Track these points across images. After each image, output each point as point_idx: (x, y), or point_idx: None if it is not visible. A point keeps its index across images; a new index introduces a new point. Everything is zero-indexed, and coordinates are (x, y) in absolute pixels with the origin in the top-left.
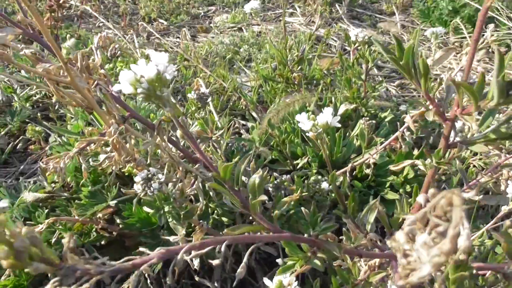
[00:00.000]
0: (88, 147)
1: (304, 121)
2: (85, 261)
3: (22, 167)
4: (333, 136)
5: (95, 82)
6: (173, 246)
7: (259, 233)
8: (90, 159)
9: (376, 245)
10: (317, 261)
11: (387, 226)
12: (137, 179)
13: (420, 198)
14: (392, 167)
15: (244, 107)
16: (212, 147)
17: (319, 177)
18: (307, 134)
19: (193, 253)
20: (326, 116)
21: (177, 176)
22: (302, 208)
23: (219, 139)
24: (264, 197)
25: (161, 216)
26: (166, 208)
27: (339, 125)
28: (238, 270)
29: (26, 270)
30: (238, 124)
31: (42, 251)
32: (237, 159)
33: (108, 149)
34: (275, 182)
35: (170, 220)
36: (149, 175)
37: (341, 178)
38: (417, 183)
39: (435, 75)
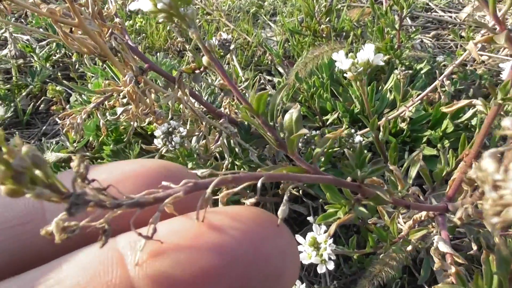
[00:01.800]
0: (106, 102)
1: (341, 60)
2: (99, 191)
3: (44, 128)
4: (365, 89)
5: (109, 31)
6: (201, 180)
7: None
8: (108, 114)
9: (418, 200)
10: (362, 209)
11: (429, 181)
12: (157, 133)
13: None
14: (445, 109)
15: (269, 62)
16: (237, 100)
17: (352, 130)
18: (345, 74)
19: (225, 191)
20: (367, 53)
21: (200, 131)
22: (345, 150)
23: (243, 91)
24: (304, 130)
25: None
26: (190, 165)
27: (382, 63)
28: (281, 208)
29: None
30: (264, 80)
31: (47, 175)
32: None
33: (125, 100)
34: (305, 137)
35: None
36: (170, 129)
37: (376, 120)
38: (457, 138)
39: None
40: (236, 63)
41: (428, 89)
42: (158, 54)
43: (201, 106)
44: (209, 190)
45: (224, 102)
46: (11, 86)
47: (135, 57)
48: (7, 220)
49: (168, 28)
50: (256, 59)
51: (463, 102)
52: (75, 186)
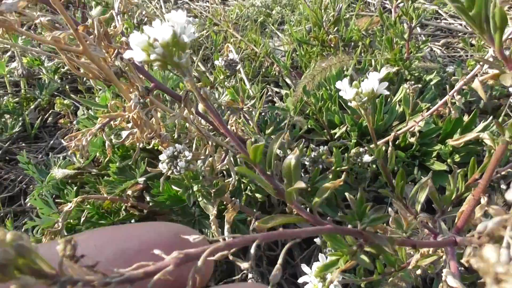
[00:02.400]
0: (112, 122)
1: (345, 89)
2: (88, 269)
3: (52, 142)
4: (374, 101)
5: (115, 51)
6: (192, 249)
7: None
8: (113, 137)
9: (427, 227)
10: (364, 257)
11: (438, 205)
12: (162, 157)
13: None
14: (451, 142)
15: (277, 73)
16: (244, 118)
17: (360, 149)
18: (348, 104)
19: (219, 254)
20: (372, 82)
21: (207, 151)
22: (347, 194)
23: (250, 109)
24: (301, 185)
25: (190, 195)
26: (195, 187)
27: (387, 92)
28: (273, 273)
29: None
30: (271, 92)
31: (33, 262)
32: (270, 130)
33: (130, 125)
34: (312, 155)
35: (200, 199)
36: (175, 153)
37: (383, 148)
38: (467, 152)
39: None
40: (243, 75)
41: (438, 104)
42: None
43: (208, 124)
44: (200, 262)
45: (231, 120)
46: (20, 99)
47: (141, 76)
48: None
49: None
50: (263, 70)
51: (471, 135)
52: (61, 269)
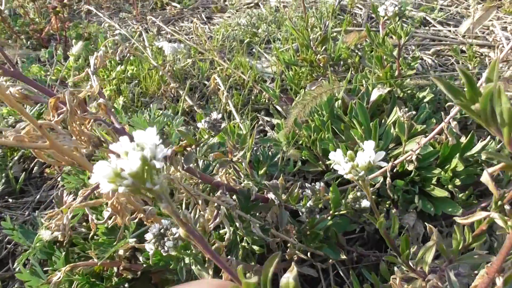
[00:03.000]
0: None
1: (340, 162)
2: None
3: (38, 196)
4: (367, 126)
5: (90, 122)
6: None
7: None
8: (94, 218)
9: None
10: None
11: (445, 255)
12: (148, 236)
13: None
14: (459, 220)
15: (267, 100)
16: (234, 170)
17: (358, 193)
18: (344, 176)
19: None
20: (368, 154)
21: (196, 210)
22: None
23: (240, 160)
24: None
25: (182, 268)
26: (187, 260)
27: (385, 165)
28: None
29: None
30: (262, 121)
31: None
32: (263, 171)
33: (110, 210)
34: (308, 205)
35: (193, 267)
36: (162, 230)
37: (380, 179)
38: (467, 175)
39: (476, 37)
40: (232, 108)
41: (434, 132)
42: (151, 105)
43: (196, 178)
44: None
45: (220, 172)
46: (3, 150)
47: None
48: None
49: (160, 73)
50: (253, 97)
51: (480, 215)
52: None
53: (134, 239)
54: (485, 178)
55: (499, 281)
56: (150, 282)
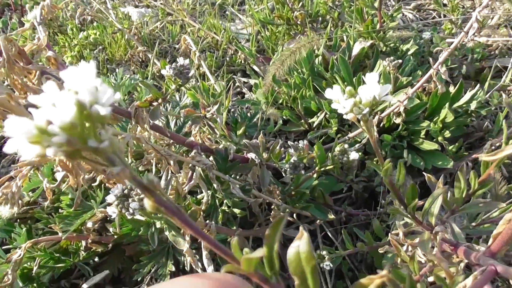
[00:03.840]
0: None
1: (338, 99)
2: None
3: None
4: (351, 81)
5: (36, 73)
6: None
7: None
8: (46, 181)
9: (445, 240)
10: None
11: (447, 205)
12: (110, 198)
13: None
14: (484, 157)
15: (243, 61)
16: (208, 127)
17: (345, 145)
18: (344, 116)
19: None
20: (372, 88)
21: (168, 173)
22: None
23: (214, 116)
24: None
25: (153, 234)
26: (158, 224)
27: (393, 99)
28: None
29: None
30: (239, 82)
31: None
32: (241, 131)
33: (60, 169)
34: (292, 160)
35: (167, 232)
36: (126, 191)
37: (366, 134)
38: (457, 127)
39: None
40: (205, 69)
41: (422, 79)
42: (117, 70)
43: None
44: None
45: (194, 131)
46: None
47: None
48: None
49: (126, 37)
50: (228, 59)
51: (509, 150)
52: None
53: (102, 209)
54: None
55: None
56: (124, 255)
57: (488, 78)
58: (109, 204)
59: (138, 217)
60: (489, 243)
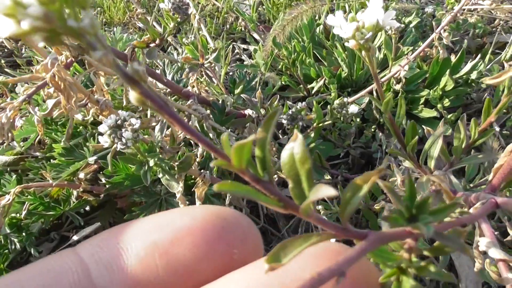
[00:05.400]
0: (43, 93)
1: (340, 24)
2: None
3: None
4: (351, 50)
5: None
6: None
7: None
8: (37, 110)
9: (443, 186)
10: (431, 268)
11: (446, 157)
12: (102, 128)
13: None
14: (488, 80)
15: (243, 29)
16: (206, 76)
17: (345, 99)
18: (346, 43)
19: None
20: (375, 12)
21: (164, 121)
22: (380, 182)
23: (213, 65)
24: (329, 192)
25: (146, 172)
26: (152, 162)
27: (397, 24)
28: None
29: None
30: (239, 49)
31: None
32: (239, 90)
33: (52, 90)
34: (290, 112)
35: (161, 175)
36: (119, 121)
37: (366, 99)
38: (456, 96)
39: None
40: (205, 32)
41: (425, 43)
42: (115, 29)
43: (164, 87)
44: None
45: (191, 80)
46: None
47: None
48: None
49: None
50: (228, 26)
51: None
52: None
53: (95, 158)
54: None
55: None
56: (116, 209)
57: (489, 52)
58: (101, 134)
59: (130, 154)
60: (490, 177)
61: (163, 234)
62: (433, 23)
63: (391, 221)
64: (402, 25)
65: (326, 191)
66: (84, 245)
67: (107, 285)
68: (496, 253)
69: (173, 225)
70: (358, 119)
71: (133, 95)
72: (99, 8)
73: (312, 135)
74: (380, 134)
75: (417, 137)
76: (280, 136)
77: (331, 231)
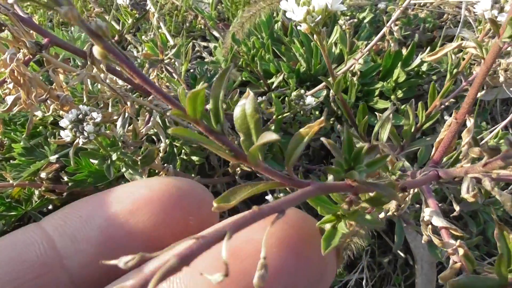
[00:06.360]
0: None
1: (293, 8)
2: None
3: None
4: (309, 45)
5: None
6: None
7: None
8: None
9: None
10: (368, 216)
11: (397, 141)
12: (63, 122)
13: None
14: (428, 57)
15: (203, 27)
16: (167, 72)
17: (302, 91)
18: (298, 27)
19: None
20: None
21: (126, 113)
22: (323, 139)
23: (173, 60)
24: (272, 137)
25: (109, 166)
26: (114, 156)
27: (344, 8)
28: None
29: None
30: (199, 47)
31: None
32: (200, 86)
33: (11, 86)
34: None
35: (124, 170)
36: (80, 116)
37: (324, 92)
38: (409, 88)
39: None
40: (164, 31)
41: (377, 37)
42: (73, 28)
43: (125, 83)
44: None
45: (152, 76)
46: None
47: (31, 31)
48: (19, 275)
49: None
50: (187, 24)
51: (450, 47)
52: None
53: (56, 156)
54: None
55: (470, 122)
56: None
57: (438, 45)
58: (63, 129)
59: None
60: (432, 152)
61: (123, 205)
62: (385, 18)
63: (332, 172)
64: (355, 20)
65: (270, 136)
66: (48, 219)
67: (72, 255)
68: (438, 221)
69: (132, 196)
70: (317, 112)
71: (96, 50)
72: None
73: (273, 127)
74: (339, 126)
75: (367, 117)
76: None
77: (277, 179)
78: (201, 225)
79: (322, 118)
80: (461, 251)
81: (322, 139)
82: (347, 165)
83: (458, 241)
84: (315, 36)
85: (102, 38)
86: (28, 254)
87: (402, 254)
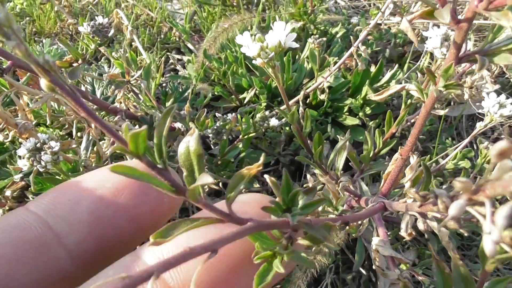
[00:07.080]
0: None
1: (248, 44)
2: None
3: None
4: (281, 60)
5: None
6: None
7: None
8: None
9: (349, 191)
10: (303, 254)
11: (356, 164)
12: (21, 151)
13: None
14: (374, 97)
15: (177, 39)
16: (133, 93)
17: (266, 112)
18: (253, 62)
19: None
20: (278, 34)
21: (89, 136)
22: (267, 177)
23: (139, 81)
24: (208, 180)
25: None
26: None
27: (296, 45)
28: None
29: None
30: (173, 60)
31: None
32: (171, 102)
33: None
34: (215, 126)
35: None
36: (38, 144)
37: (296, 111)
38: (377, 104)
39: None
40: (138, 44)
41: (344, 56)
42: (44, 40)
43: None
44: None
45: (119, 96)
46: None
47: None
48: (24, 254)
49: (56, 8)
50: (162, 36)
51: (395, 88)
52: None
53: (21, 175)
54: (404, 25)
55: (413, 159)
56: None
57: (407, 61)
58: (21, 158)
59: (53, 173)
60: (381, 184)
61: (106, 189)
62: (355, 33)
63: (269, 211)
64: (327, 36)
65: (206, 178)
66: (36, 203)
67: (68, 235)
68: (385, 251)
69: (113, 180)
70: (287, 128)
71: (43, 83)
72: (27, 18)
73: (241, 145)
74: (309, 141)
75: (322, 146)
76: (212, 147)
77: (216, 215)
78: (173, 203)
79: (261, 161)
80: (401, 284)
81: (266, 176)
82: (285, 205)
83: (398, 273)
84: (270, 70)
85: (49, 72)
86: (28, 236)
87: (364, 272)
